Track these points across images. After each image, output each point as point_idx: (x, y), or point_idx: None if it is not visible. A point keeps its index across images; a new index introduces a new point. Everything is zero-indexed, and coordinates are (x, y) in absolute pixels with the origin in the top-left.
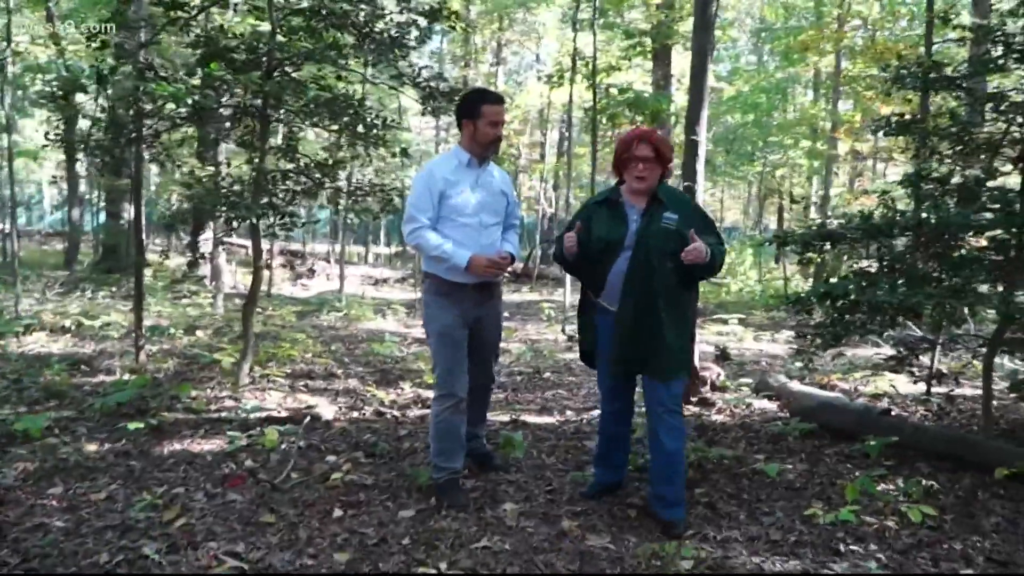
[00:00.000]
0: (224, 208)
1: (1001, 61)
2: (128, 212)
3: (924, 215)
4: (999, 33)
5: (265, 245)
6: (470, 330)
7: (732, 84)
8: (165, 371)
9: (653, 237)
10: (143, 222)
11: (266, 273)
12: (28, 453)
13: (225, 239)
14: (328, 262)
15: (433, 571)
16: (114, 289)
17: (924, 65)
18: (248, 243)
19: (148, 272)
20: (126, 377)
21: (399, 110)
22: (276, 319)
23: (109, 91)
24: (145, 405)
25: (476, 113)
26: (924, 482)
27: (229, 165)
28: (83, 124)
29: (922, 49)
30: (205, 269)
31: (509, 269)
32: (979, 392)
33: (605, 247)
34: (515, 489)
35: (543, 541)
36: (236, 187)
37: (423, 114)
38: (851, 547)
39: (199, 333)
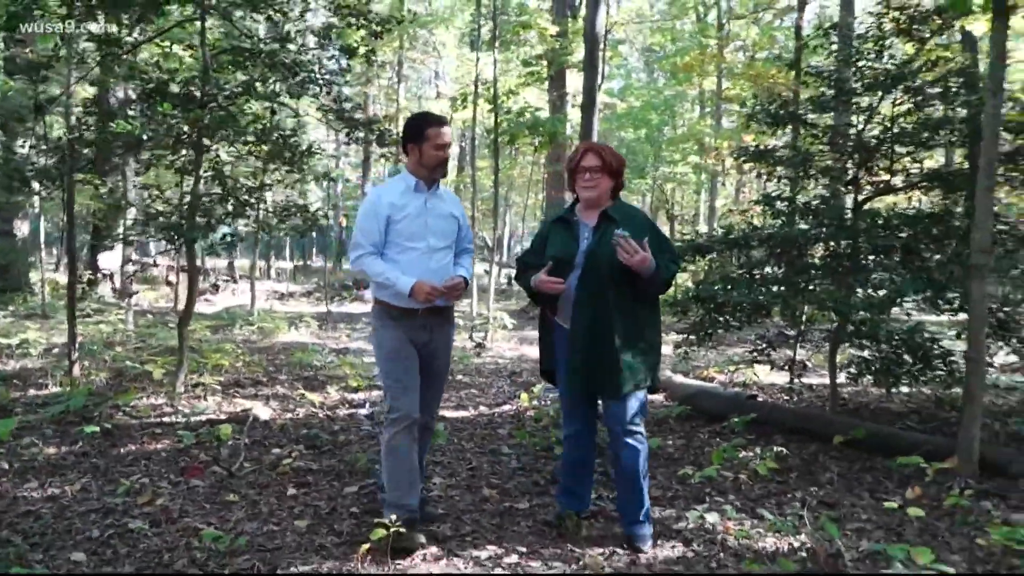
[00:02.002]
0: (159, 230)
1: (832, 104)
2: (20, 230)
3: (774, 230)
4: (829, 77)
5: (167, 262)
6: (419, 355)
7: (624, 100)
8: (97, 383)
9: (603, 254)
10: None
11: (168, 289)
12: (2, 454)
13: (135, 258)
14: (231, 278)
15: (381, 532)
16: (12, 308)
17: (775, 103)
18: (150, 260)
19: (47, 290)
20: (61, 389)
21: (337, 141)
22: (192, 333)
23: (45, 119)
24: (89, 413)
25: (421, 136)
26: (776, 449)
27: (160, 190)
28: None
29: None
30: (104, 287)
31: (456, 295)
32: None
33: (557, 265)
34: (441, 468)
35: (468, 505)
36: (164, 208)
37: (347, 143)
38: (715, 497)
39: (118, 348)
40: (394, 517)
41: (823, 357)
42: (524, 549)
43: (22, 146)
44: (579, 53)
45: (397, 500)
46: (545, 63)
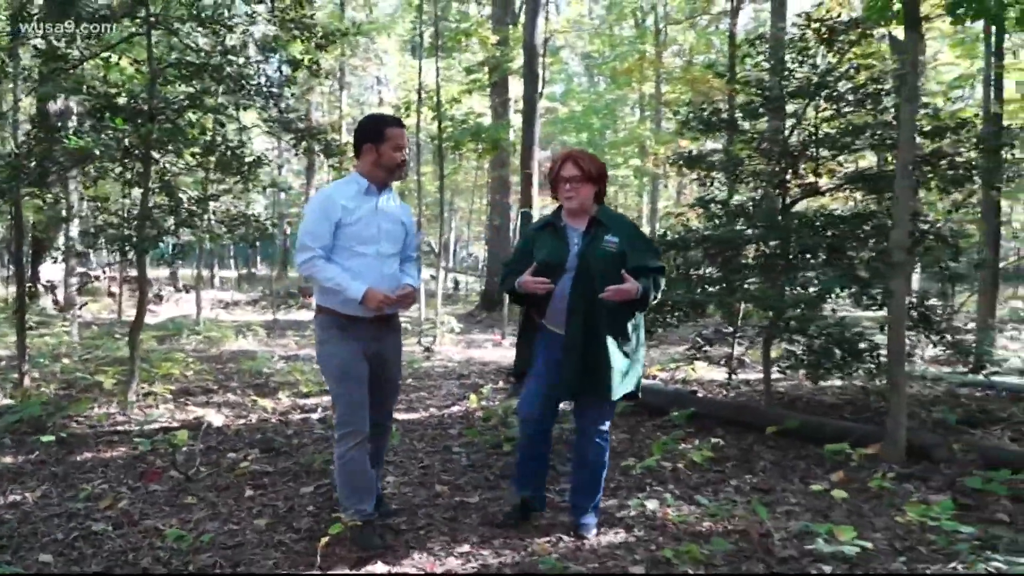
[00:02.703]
0: (110, 241)
1: (760, 110)
2: None
3: (709, 231)
4: (756, 87)
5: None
6: (369, 365)
7: (565, 105)
8: (48, 394)
9: (595, 259)
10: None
11: (111, 301)
12: None
13: (79, 270)
14: (175, 288)
15: (339, 527)
16: None
17: (708, 110)
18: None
19: None
20: (12, 401)
21: (279, 149)
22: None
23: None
24: (43, 423)
25: (380, 137)
26: (714, 440)
27: (107, 202)
28: None
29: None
30: (45, 300)
31: (407, 303)
32: (777, 376)
33: (546, 269)
34: (394, 467)
35: (423, 501)
36: (112, 219)
37: (295, 155)
38: (655, 487)
39: (65, 360)
40: (350, 512)
41: (760, 353)
42: (476, 539)
43: None
44: (520, 60)
45: (352, 505)
46: (487, 69)
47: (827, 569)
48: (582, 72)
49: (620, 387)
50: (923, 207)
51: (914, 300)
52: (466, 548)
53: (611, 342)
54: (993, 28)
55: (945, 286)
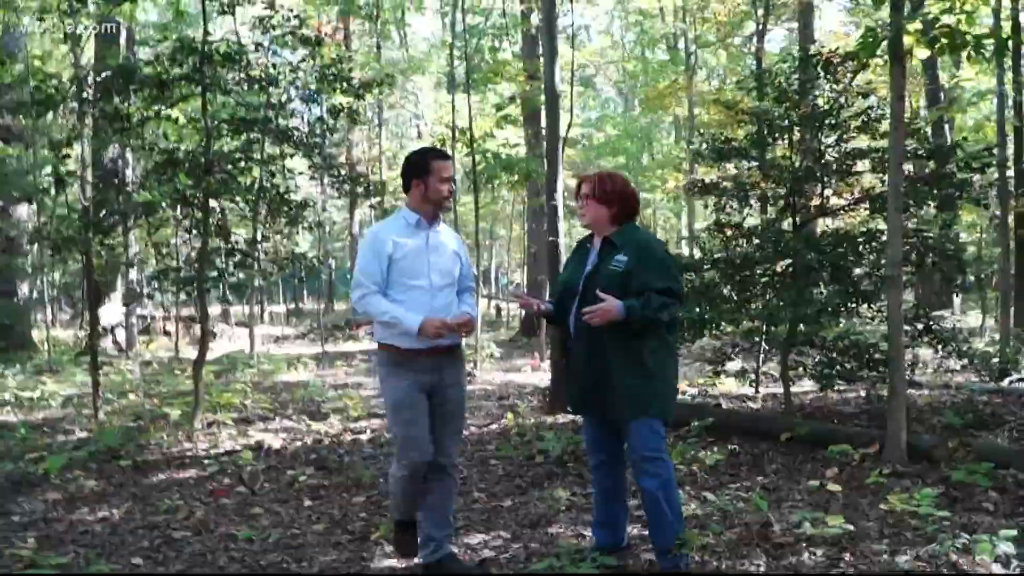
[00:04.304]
0: (175, 283)
1: (766, 140)
2: (21, 290)
3: (723, 253)
4: (766, 117)
5: (162, 314)
6: (430, 399)
7: (600, 130)
8: (121, 426)
9: (599, 280)
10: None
11: (166, 340)
12: (50, 488)
13: (140, 312)
14: (226, 323)
15: (387, 526)
16: (18, 366)
17: (719, 141)
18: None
19: (50, 347)
20: (88, 434)
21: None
22: None
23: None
24: (119, 451)
25: (426, 170)
26: (730, 447)
27: (170, 247)
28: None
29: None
30: (105, 341)
31: (466, 331)
32: (805, 388)
33: (564, 289)
34: None
35: (461, 507)
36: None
37: (338, 197)
38: None
39: (131, 396)
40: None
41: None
42: (507, 535)
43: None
44: None
45: (396, 508)
46: (519, 101)
47: (819, 552)
48: (616, 97)
49: (635, 408)
50: (929, 224)
51: (918, 311)
52: (499, 543)
53: (618, 362)
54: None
55: (944, 298)
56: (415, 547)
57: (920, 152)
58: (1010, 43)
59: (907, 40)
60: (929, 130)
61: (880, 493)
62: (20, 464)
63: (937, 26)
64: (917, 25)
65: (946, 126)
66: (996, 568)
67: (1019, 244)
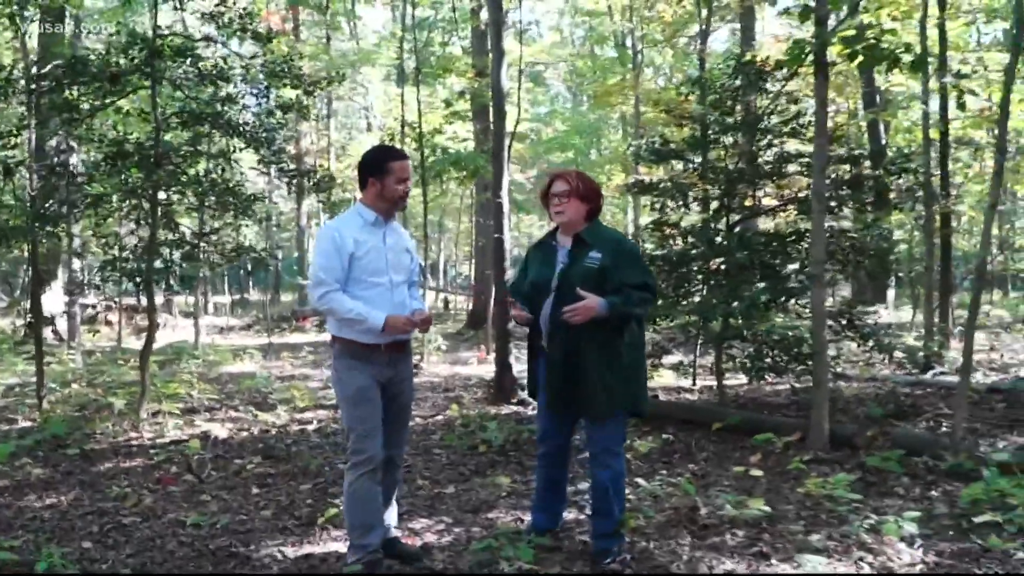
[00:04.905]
0: (123, 274)
1: (702, 143)
2: None
3: (661, 251)
4: (703, 121)
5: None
6: (384, 392)
7: (550, 125)
8: (65, 415)
9: (576, 277)
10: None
11: (108, 330)
12: None
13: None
14: (170, 314)
15: (334, 510)
16: None
17: (657, 143)
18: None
19: None
20: (32, 423)
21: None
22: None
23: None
24: (65, 440)
25: (383, 170)
26: (664, 436)
27: (118, 238)
28: None
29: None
30: (45, 331)
31: (425, 328)
32: (732, 380)
33: (533, 288)
34: None
35: (406, 493)
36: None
37: (288, 194)
38: None
39: (75, 385)
40: (354, 559)
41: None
42: (450, 520)
43: None
44: None
45: (358, 541)
46: (468, 97)
47: (740, 533)
48: (566, 92)
49: (611, 404)
50: (866, 225)
51: (842, 307)
52: (442, 527)
53: (596, 359)
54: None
55: (864, 294)
56: None
57: (844, 156)
58: (936, 53)
59: (832, 52)
60: (865, 132)
61: (801, 478)
62: None
63: (858, 41)
64: (848, 33)
65: (881, 128)
66: (902, 546)
67: (943, 243)
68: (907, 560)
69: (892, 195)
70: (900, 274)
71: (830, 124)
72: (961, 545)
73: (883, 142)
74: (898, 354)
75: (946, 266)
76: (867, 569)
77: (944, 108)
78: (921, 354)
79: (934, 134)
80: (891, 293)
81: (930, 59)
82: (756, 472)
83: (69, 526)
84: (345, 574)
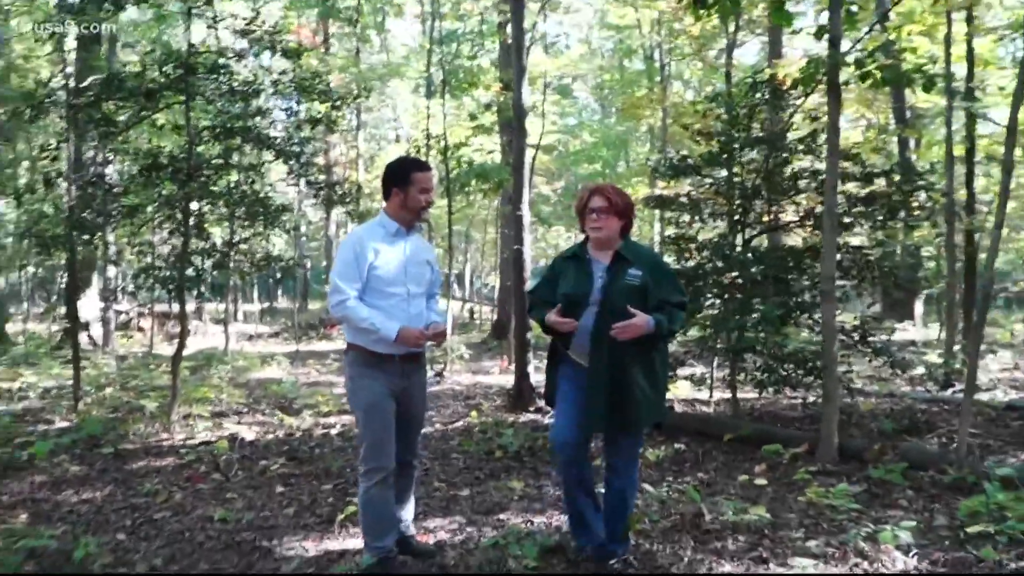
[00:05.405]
0: (157, 281)
1: (720, 159)
2: None
3: (678, 265)
4: (720, 138)
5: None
6: (397, 402)
7: (576, 137)
8: (100, 416)
9: (618, 293)
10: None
11: (140, 336)
12: (35, 472)
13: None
14: (200, 320)
15: (352, 509)
16: None
17: (672, 159)
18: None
19: (24, 340)
20: (68, 423)
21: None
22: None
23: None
24: (99, 440)
25: (407, 181)
26: (677, 446)
27: (152, 247)
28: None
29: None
30: (80, 336)
31: (439, 341)
32: (751, 393)
33: (567, 302)
34: None
35: (423, 495)
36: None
37: (316, 205)
38: None
39: (108, 389)
40: (370, 556)
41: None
42: (463, 520)
43: None
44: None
45: (373, 543)
46: (494, 109)
47: (741, 538)
48: (594, 103)
49: (648, 417)
50: (887, 240)
51: (856, 323)
52: (455, 527)
53: (637, 373)
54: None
55: (891, 310)
56: None
57: (858, 175)
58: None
59: (845, 72)
60: (896, 147)
61: (805, 489)
62: (6, 449)
63: (870, 62)
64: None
65: (912, 143)
66: (897, 554)
67: (968, 261)
68: (900, 567)
69: (916, 212)
70: (928, 291)
71: (851, 141)
72: (955, 555)
73: (913, 157)
74: (919, 370)
75: (970, 284)
76: (860, 574)
77: (971, 125)
78: (941, 371)
79: (959, 151)
80: (919, 310)
81: (957, 76)
82: (761, 481)
83: (104, 519)
84: (361, 569)
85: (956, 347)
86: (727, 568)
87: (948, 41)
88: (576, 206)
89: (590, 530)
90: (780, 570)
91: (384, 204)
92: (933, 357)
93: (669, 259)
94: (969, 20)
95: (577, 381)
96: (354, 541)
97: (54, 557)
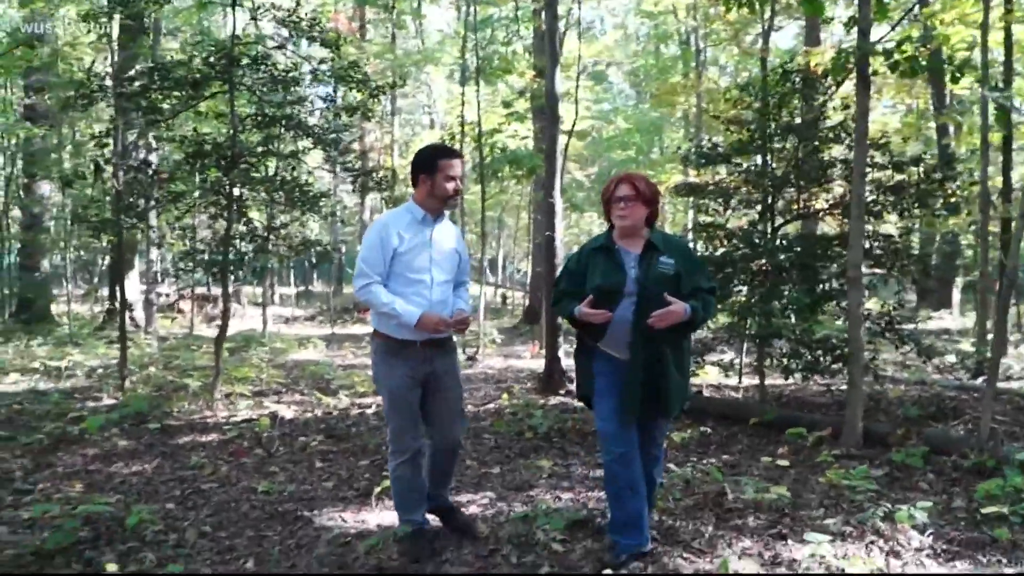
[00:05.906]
0: (200, 264)
1: (751, 147)
2: (42, 266)
3: (707, 252)
4: (751, 126)
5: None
6: (424, 387)
7: (610, 122)
8: (146, 394)
9: (654, 282)
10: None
11: (181, 317)
12: (87, 445)
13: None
14: (239, 303)
15: (388, 483)
16: (40, 338)
17: (703, 147)
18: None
19: (69, 321)
20: (115, 400)
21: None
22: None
23: (103, 177)
24: (144, 416)
25: (434, 168)
26: (703, 428)
27: (195, 232)
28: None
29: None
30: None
31: (461, 328)
32: (779, 379)
33: (601, 294)
34: None
35: (455, 472)
36: (201, 246)
37: (352, 191)
38: None
39: (152, 368)
40: (402, 527)
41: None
42: (494, 496)
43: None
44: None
45: (403, 516)
46: (528, 96)
47: (763, 516)
48: (629, 89)
49: (680, 403)
50: (900, 229)
51: (883, 310)
52: (486, 502)
53: (672, 361)
54: None
55: (901, 296)
56: (428, 552)
57: (886, 163)
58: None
59: (874, 63)
60: (935, 134)
61: (827, 471)
62: (59, 424)
63: (899, 52)
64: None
65: (952, 129)
66: (913, 533)
67: (1003, 248)
68: (916, 545)
69: (951, 200)
70: (966, 279)
71: (890, 127)
72: (971, 535)
73: (950, 145)
74: (949, 359)
75: (1004, 272)
76: (876, 551)
77: (1008, 113)
78: (973, 360)
79: (995, 138)
80: (957, 298)
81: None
82: (784, 463)
83: (153, 490)
84: (397, 538)
85: (989, 336)
86: (746, 543)
87: (985, 28)
88: (602, 195)
89: (644, 531)
90: (798, 547)
91: (412, 191)
92: (966, 346)
93: (699, 246)
94: (1008, 8)
95: (615, 376)
96: (389, 513)
97: (109, 523)
